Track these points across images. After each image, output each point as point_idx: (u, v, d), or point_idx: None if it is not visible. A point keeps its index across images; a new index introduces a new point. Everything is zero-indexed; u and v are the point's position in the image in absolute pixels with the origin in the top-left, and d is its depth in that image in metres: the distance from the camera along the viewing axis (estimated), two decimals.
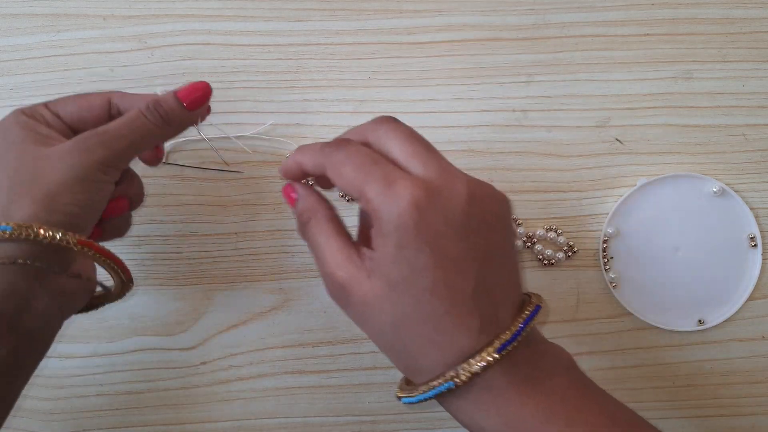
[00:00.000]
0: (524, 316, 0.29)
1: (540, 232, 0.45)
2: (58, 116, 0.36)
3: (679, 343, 0.45)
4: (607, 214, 0.44)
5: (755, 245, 0.44)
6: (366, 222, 0.32)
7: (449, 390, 0.28)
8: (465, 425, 0.30)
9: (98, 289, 0.38)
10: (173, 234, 0.45)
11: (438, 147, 0.46)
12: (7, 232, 0.31)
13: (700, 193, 0.45)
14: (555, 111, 0.45)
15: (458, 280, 0.28)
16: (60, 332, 0.44)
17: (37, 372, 0.45)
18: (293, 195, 0.33)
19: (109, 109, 0.37)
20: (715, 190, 0.44)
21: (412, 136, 0.30)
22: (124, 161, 0.35)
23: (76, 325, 0.45)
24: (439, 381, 0.28)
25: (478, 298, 0.28)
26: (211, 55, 0.45)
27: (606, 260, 0.44)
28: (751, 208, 0.44)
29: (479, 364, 0.27)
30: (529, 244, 0.45)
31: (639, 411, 0.45)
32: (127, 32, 0.46)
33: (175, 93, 0.36)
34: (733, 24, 0.46)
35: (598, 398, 0.30)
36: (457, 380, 0.27)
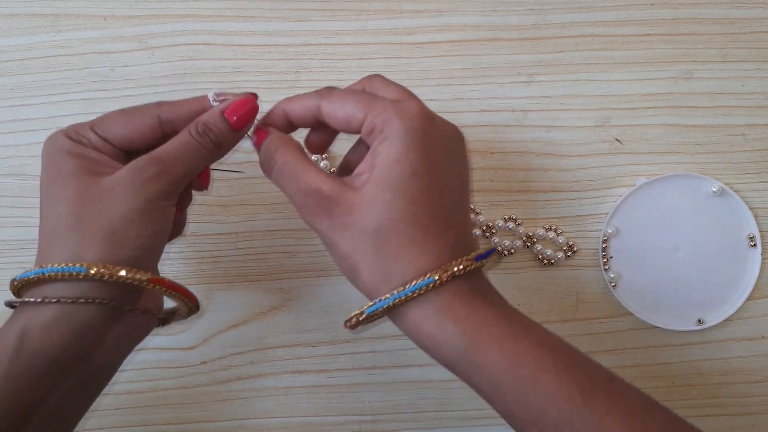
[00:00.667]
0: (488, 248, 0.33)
1: (540, 231, 0.45)
2: (106, 140, 0.34)
3: (679, 343, 0.45)
4: (607, 213, 0.44)
5: (755, 245, 0.44)
6: (355, 156, 0.35)
7: (425, 289, 0.29)
8: (428, 337, 0.31)
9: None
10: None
11: None
12: (82, 274, 0.30)
13: (700, 193, 0.45)
14: (555, 111, 0.45)
15: (445, 193, 0.31)
16: None
17: None
18: (264, 130, 0.34)
19: (159, 126, 0.35)
20: (714, 189, 0.44)
21: (404, 88, 0.34)
22: (181, 187, 0.34)
23: None
24: (420, 279, 0.29)
25: (458, 213, 0.32)
26: (212, 56, 0.46)
27: (605, 260, 0.45)
28: (751, 208, 0.44)
29: (459, 265, 0.30)
30: (528, 243, 0.45)
31: None
32: (127, 32, 0.46)
33: (222, 111, 0.34)
34: (733, 24, 0.46)
35: (542, 326, 0.32)
36: (439, 277, 0.29)
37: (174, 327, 0.45)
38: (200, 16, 0.46)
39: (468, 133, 0.45)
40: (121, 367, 0.45)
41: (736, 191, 0.44)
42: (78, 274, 0.30)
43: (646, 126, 0.45)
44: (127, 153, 0.35)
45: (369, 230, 0.30)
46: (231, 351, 0.45)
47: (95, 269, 0.31)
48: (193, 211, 0.45)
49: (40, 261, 0.32)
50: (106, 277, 0.31)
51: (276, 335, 0.45)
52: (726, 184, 0.44)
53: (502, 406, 0.31)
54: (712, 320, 0.45)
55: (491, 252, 0.32)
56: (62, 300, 0.31)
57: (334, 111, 0.32)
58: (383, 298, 0.30)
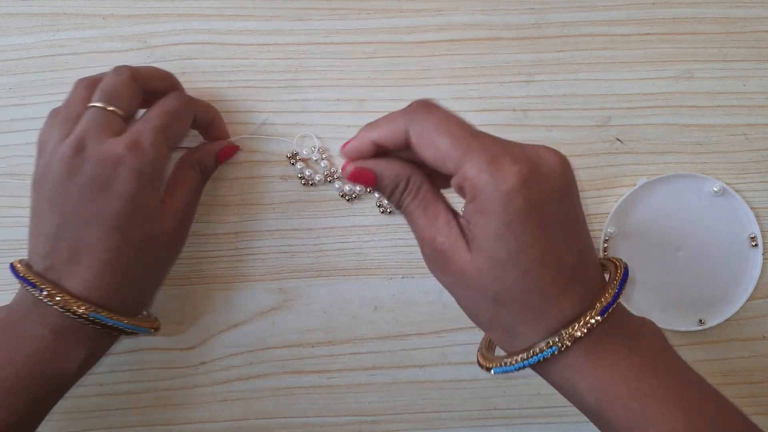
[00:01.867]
0: (618, 277, 0.30)
1: None
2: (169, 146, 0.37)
3: (680, 343, 0.45)
4: (608, 213, 0.44)
5: (756, 245, 0.44)
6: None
7: (551, 356, 0.28)
8: (557, 386, 0.30)
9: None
10: None
11: None
12: (103, 321, 0.35)
13: (701, 193, 0.44)
14: (555, 110, 0.45)
15: (563, 247, 0.28)
16: None
17: None
18: (368, 172, 0.30)
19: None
20: (715, 189, 0.44)
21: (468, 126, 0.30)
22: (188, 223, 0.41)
23: None
24: (542, 347, 0.28)
25: (582, 263, 0.29)
26: (211, 55, 0.45)
27: None
28: (752, 208, 0.44)
29: (583, 329, 0.28)
30: None
31: None
32: (126, 32, 0.45)
33: (218, 156, 0.42)
34: (734, 23, 0.45)
35: (684, 365, 0.30)
36: (560, 345, 0.28)
37: (174, 327, 0.45)
38: (199, 15, 0.45)
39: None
40: (121, 367, 0.45)
41: (737, 191, 0.44)
42: (101, 322, 0.34)
43: (646, 125, 0.45)
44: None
45: (487, 296, 0.29)
46: (230, 351, 0.45)
47: (124, 320, 0.36)
48: None
49: (56, 263, 0.34)
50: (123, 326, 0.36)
51: (276, 335, 0.45)
52: (727, 183, 0.44)
53: None
54: (713, 320, 0.44)
55: (618, 293, 0.29)
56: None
57: (423, 150, 0.29)
58: (511, 363, 0.29)
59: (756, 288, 0.44)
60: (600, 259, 0.32)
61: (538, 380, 0.45)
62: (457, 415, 0.45)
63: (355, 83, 0.45)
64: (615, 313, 0.29)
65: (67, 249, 0.33)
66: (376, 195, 0.45)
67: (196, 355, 0.45)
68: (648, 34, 0.46)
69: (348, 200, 0.45)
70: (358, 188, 0.45)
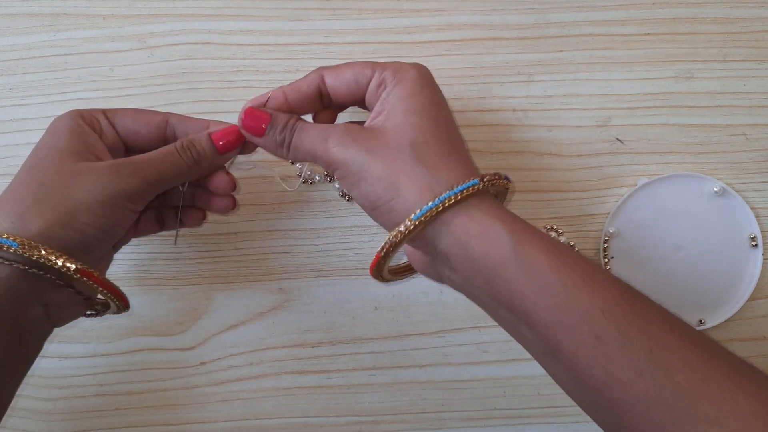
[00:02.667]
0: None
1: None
2: (113, 127, 0.37)
3: None
4: (608, 213, 0.44)
5: (756, 245, 0.44)
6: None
7: (472, 190, 0.31)
8: (462, 241, 0.31)
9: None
10: (173, 234, 0.45)
11: None
12: (12, 248, 0.31)
13: (701, 193, 0.44)
14: (555, 110, 0.45)
15: (456, 128, 0.35)
16: (60, 332, 0.45)
17: (37, 372, 0.45)
18: (264, 113, 0.35)
19: (165, 129, 0.38)
20: (716, 189, 0.44)
21: None
22: (151, 194, 0.36)
23: (77, 324, 0.45)
24: (465, 180, 0.31)
25: (464, 146, 0.35)
26: (211, 55, 0.45)
27: (607, 260, 0.44)
28: (752, 208, 0.44)
29: (496, 177, 0.32)
30: None
31: None
32: (126, 32, 0.45)
33: (210, 134, 0.37)
34: (734, 23, 0.45)
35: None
36: (479, 181, 0.31)
37: (174, 327, 0.45)
38: (199, 16, 0.46)
39: (468, 133, 0.46)
40: (121, 368, 0.45)
41: (737, 191, 0.44)
42: (9, 248, 0.31)
43: (647, 126, 0.45)
44: (127, 150, 0.37)
45: (404, 146, 0.32)
46: (230, 351, 0.45)
47: (23, 246, 0.31)
48: None
49: None
50: (31, 256, 0.31)
51: (276, 336, 0.45)
52: (727, 184, 0.44)
53: (545, 311, 0.29)
54: (713, 321, 0.44)
55: (507, 178, 0.34)
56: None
57: (341, 74, 0.35)
58: (432, 201, 0.31)
59: (756, 288, 0.44)
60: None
61: (538, 380, 0.45)
62: (458, 415, 0.45)
63: None
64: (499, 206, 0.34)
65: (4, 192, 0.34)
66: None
67: (196, 355, 0.45)
68: (648, 34, 0.46)
69: (348, 200, 0.45)
70: None
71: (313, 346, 0.45)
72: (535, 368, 0.44)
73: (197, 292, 0.45)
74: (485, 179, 0.32)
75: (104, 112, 0.37)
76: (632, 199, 0.44)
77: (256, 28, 0.45)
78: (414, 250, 0.36)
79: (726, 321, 0.44)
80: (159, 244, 0.45)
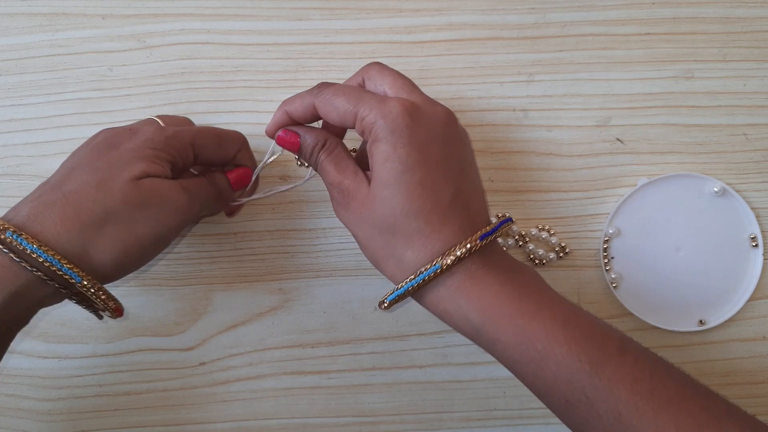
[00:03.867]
0: (499, 219, 0.35)
1: (533, 231, 0.45)
2: (196, 157, 0.38)
3: (680, 344, 0.45)
4: (608, 213, 0.44)
5: (756, 245, 0.44)
6: (361, 155, 0.37)
7: (434, 275, 0.32)
8: (446, 313, 0.33)
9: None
10: None
11: None
12: (73, 279, 0.32)
13: (701, 193, 0.44)
14: (556, 110, 0.45)
15: (443, 182, 0.33)
16: (59, 332, 0.45)
17: (36, 372, 0.45)
18: (294, 135, 0.36)
19: (235, 158, 0.41)
20: (716, 190, 0.44)
21: (398, 74, 0.35)
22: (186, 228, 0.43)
23: (76, 325, 0.45)
24: (427, 267, 0.32)
25: (459, 201, 0.33)
26: (211, 55, 0.45)
27: (607, 260, 0.44)
28: (753, 208, 0.44)
29: (463, 248, 0.32)
30: (521, 242, 0.45)
31: None
32: (125, 31, 0.45)
33: (226, 173, 0.40)
34: (734, 23, 0.45)
35: (559, 296, 0.34)
36: (443, 263, 0.32)
37: (173, 327, 0.45)
38: (199, 15, 0.45)
39: (469, 133, 0.45)
40: (120, 368, 0.45)
41: (737, 191, 0.44)
42: (69, 278, 0.32)
43: (647, 125, 0.45)
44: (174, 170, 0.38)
45: (378, 224, 0.33)
46: (230, 352, 0.45)
47: (89, 287, 0.33)
48: None
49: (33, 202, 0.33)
50: (90, 293, 0.33)
51: (275, 336, 0.45)
52: (727, 184, 0.44)
53: (521, 376, 0.33)
54: (713, 321, 0.44)
55: (498, 227, 0.34)
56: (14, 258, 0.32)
57: (328, 113, 0.35)
58: (399, 287, 0.33)
59: (756, 288, 0.44)
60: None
61: None
62: (458, 415, 0.45)
63: None
64: (497, 252, 0.34)
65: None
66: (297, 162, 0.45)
67: (196, 355, 0.45)
68: (648, 34, 0.45)
69: None
70: None
71: (312, 347, 0.45)
72: None
73: (197, 292, 0.45)
74: (448, 260, 0.32)
75: (193, 144, 0.37)
76: (632, 199, 0.44)
77: (255, 28, 0.45)
78: None
79: (726, 321, 0.44)
80: None
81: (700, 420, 0.29)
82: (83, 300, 0.35)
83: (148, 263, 0.42)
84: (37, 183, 0.36)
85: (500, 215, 0.36)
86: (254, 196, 0.43)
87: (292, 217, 0.45)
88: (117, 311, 0.36)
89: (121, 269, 0.35)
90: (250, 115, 0.45)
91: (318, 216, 0.45)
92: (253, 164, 0.42)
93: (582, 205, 0.45)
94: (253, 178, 0.41)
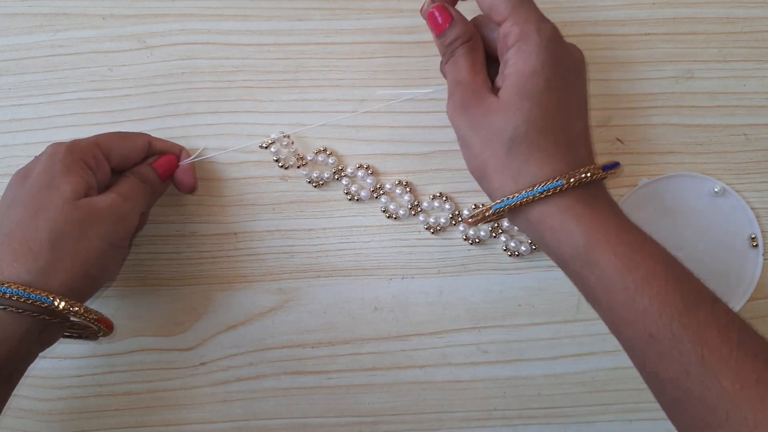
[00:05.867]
0: (610, 160, 0.35)
1: (505, 224, 0.44)
2: (108, 157, 0.39)
3: None
4: None
5: (756, 245, 0.44)
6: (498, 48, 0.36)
7: (553, 191, 0.32)
8: (550, 232, 0.33)
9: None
10: (173, 234, 0.45)
11: (439, 146, 0.46)
12: (44, 304, 0.33)
13: (701, 193, 0.44)
14: None
15: (576, 112, 0.34)
16: None
17: (36, 372, 0.45)
18: (446, 18, 0.36)
19: (147, 151, 0.41)
20: (716, 190, 0.44)
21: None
22: (140, 227, 0.42)
23: None
24: (549, 181, 0.32)
25: (584, 128, 0.35)
26: (211, 55, 0.45)
27: None
28: (753, 208, 0.44)
29: (588, 173, 0.33)
30: (494, 234, 0.44)
31: (640, 411, 0.45)
32: (126, 32, 0.45)
33: (151, 164, 0.41)
34: (734, 23, 0.45)
35: (657, 243, 0.34)
36: (567, 181, 0.32)
37: (173, 327, 0.45)
38: (199, 15, 0.45)
39: None
40: (121, 368, 0.45)
41: (737, 191, 0.44)
42: (41, 304, 0.33)
43: (647, 126, 0.45)
44: (113, 174, 0.39)
45: (504, 133, 0.33)
46: (230, 352, 0.45)
47: (72, 309, 0.34)
48: (192, 212, 0.45)
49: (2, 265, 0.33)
50: (63, 313, 0.33)
51: (275, 336, 0.45)
52: (727, 184, 0.44)
53: (606, 305, 0.32)
54: None
55: (616, 164, 0.35)
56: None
57: None
58: (512, 196, 0.33)
59: (756, 288, 0.44)
60: None
61: (538, 381, 0.45)
62: (457, 415, 0.45)
63: (354, 84, 0.45)
64: (605, 189, 0.35)
65: None
66: (382, 201, 0.44)
67: (196, 355, 0.45)
68: (648, 34, 0.45)
69: (350, 200, 0.45)
70: (363, 192, 0.44)
71: (312, 347, 0.45)
72: (535, 368, 0.45)
73: (197, 292, 0.45)
74: (572, 180, 0.32)
75: (97, 143, 0.38)
76: (633, 199, 0.44)
77: (255, 28, 0.45)
78: None
79: None
80: (159, 244, 0.45)
81: None
82: (72, 327, 0.37)
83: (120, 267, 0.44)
84: None
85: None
86: (197, 158, 0.44)
87: (292, 217, 0.45)
88: (102, 321, 0.37)
89: (88, 282, 0.35)
90: (250, 115, 0.45)
91: (318, 216, 0.45)
92: (173, 152, 0.43)
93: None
94: (182, 164, 0.43)
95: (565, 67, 0.34)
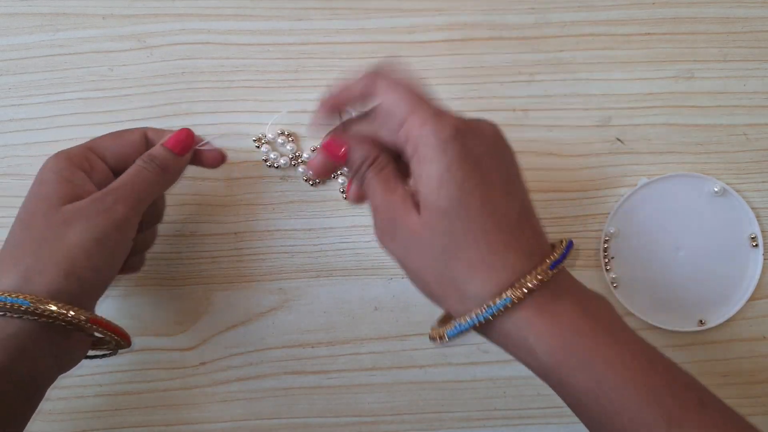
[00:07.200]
0: (564, 243, 0.31)
1: None
2: (103, 159, 0.38)
3: (680, 344, 0.45)
4: (608, 213, 0.44)
5: (756, 245, 0.44)
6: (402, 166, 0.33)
7: (503, 309, 0.29)
8: (514, 351, 0.31)
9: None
10: (173, 234, 0.45)
11: None
12: (23, 306, 0.32)
13: (702, 193, 0.44)
14: (556, 110, 0.45)
15: (505, 202, 0.30)
16: None
17: None
18: (342, 143, 0.33)
19: (145, 144, 0.39)
20: (716, 189, 0.44)
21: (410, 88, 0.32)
22: (137, 215, 0.37)
23: None
24: (495, 300, 0.29)
25: (524, 221, 0.31)
26: (211, 55, 0.45)
27: (607, 260, 0.44)
28: (753, 208, 0.44)
29: (534, 279, 0.29)
30: None
31: None
32: (126, 31, 0.45)
33: (163, 143, 0.38)
34: (734, 23, 0.45)
35: (630, 330, 0.31)
36: (513, 297, 0.28)
37: (173, 327, 0.45)
38: (199, 15, 0.45)
39: None
40: (121, 368, 0.45)
41: (737, 191, 0.44)
42: (20, 306, 0.32)
43: (647, 125, 0.45)
44: (116, 174, 0.38)
45: (434, 255, 0.30)
46: (230, 352, 0.45)
47: (35, 303, 0.32)
48: (192, 211, 0.45)
49: None
50: (43, 312, 0.32)
51: (275, 336, 0.45)
52: (728, 184, 0.44)
53: (587, 420, 0.30)
54: (713, 321, 0.44)
55: (566, 253, 0.31)
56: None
57: (387, 91, 0.32)
58: (462, 321, 0.30)
59: (756, 288, 0.44)
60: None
61: (538, 381, 0.45)
62: (457, 415, 0.45)
63: None
64: (565, 278, 0.31)
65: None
66: (340, 180, 0.45)
67: (196, 355, 0.45)
68: (648, 34, 0.45)
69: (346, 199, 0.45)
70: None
71: (313, 346, 0.45)
72: None
73: (197, 292, 0.45)
74: (519, 292, 0.29)
75: (90, 147, 0.38)
76: (632, 199, 0.44)
77: (255, 28, 0.45)
78: None
79: (726, 321, 0.44)
80: (159, 243, 0.45)
81: None
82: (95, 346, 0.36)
83: (143, 266, 0.43)
84: None
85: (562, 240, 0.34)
86: (218, 138, 0.42)
87: (292, 217, 0.45)
88: (116, 331, 0.36)
89: (78, 283, 0.34)
90: (250, 115, 0.45)
91: (318, 216, 0.45)
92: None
93: (582, 204, 0.45)
94: (201, 145, 0.40)
95: (477, 155, 0.30)
